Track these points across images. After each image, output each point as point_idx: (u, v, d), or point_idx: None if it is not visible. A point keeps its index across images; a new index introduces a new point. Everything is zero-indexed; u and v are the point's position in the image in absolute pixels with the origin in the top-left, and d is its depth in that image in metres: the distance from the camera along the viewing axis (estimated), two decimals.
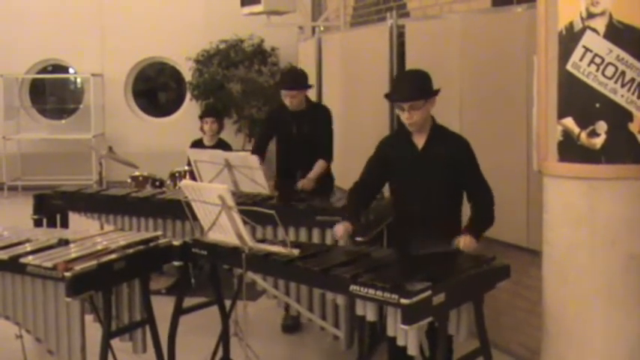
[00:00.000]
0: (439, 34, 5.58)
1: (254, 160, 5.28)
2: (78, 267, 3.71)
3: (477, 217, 3.97)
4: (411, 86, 3.94)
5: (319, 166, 5.61)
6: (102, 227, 5.92)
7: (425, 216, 3.94)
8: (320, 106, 5.77)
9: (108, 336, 3.91)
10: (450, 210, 4.00)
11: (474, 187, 3.98)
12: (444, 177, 3.94)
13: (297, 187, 5.53)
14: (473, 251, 3.81)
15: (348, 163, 6.25)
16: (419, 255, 3.78)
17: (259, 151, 5.78)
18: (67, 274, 3.65)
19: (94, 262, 3.78)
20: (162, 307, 4.45)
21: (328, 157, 5.68)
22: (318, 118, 5.69)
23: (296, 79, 5.66)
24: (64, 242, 4.18)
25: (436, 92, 3.98)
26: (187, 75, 11.44)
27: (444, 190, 3.96)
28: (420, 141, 4.01)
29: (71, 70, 12.52)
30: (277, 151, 5.85)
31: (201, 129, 6.81)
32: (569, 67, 3.47)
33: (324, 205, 4.97)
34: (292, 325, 5.53)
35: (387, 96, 4.13)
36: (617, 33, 3.37)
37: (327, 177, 5.76)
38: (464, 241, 3.80)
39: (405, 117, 3.93)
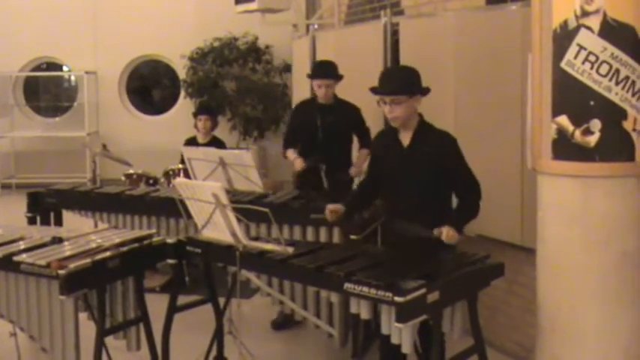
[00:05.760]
0: (433, 32, 5.58)
1: (248, 157, 5.27)
2: (72, 265, 3.70)
3: (461, 209, 3.98)
4: (395, 81, 3.94)
5: (364, 153, 5.63)
6: (96, 225, 5.91)
7: (411, 213, 3.93)
8: (348, 103, 5.70)
9: (102, 334, 3.90)
10: (438, 207, 3.97)
11: (460, 183, 3.96)
12: (429, 175, 3.92)
13: (350, 173, 5.65)
14: (457, 244, 3.81)
15: None
16: (407, 245, 3.79)
17: (289, 145, 5.82)
18: (61, 272, 3.64)
19: (88, 260, 3.77)
20: (157, 305, 4.45)
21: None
22: (345, 114, 5.66)
23: (330, 68, 5.66)
24: (57, 240, 4.17)
25: (422, 90, 3.95)
26: (181, 73, 11.42)
27: (430, 187, 3.93)
28: (406, 139, 4.00)
29: (65, 68, 12.49)
30: (300, 143, 5.83)
31: (196, 126, 6.81)
32: (563, 65, 3.47)
33: (318, 203, 4.96)
34: (282, 322, 5.51)
35: (372, 89, 4.09)
36: (612, 31, 3.38)
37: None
38: (446, 233, 3.78)
39: (386, 110, 3.93)
